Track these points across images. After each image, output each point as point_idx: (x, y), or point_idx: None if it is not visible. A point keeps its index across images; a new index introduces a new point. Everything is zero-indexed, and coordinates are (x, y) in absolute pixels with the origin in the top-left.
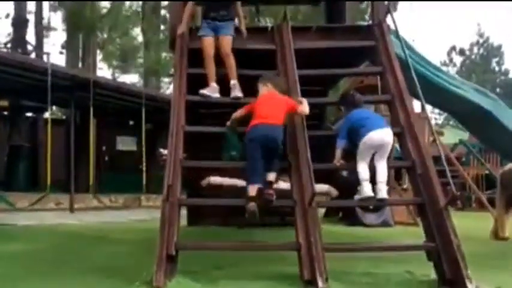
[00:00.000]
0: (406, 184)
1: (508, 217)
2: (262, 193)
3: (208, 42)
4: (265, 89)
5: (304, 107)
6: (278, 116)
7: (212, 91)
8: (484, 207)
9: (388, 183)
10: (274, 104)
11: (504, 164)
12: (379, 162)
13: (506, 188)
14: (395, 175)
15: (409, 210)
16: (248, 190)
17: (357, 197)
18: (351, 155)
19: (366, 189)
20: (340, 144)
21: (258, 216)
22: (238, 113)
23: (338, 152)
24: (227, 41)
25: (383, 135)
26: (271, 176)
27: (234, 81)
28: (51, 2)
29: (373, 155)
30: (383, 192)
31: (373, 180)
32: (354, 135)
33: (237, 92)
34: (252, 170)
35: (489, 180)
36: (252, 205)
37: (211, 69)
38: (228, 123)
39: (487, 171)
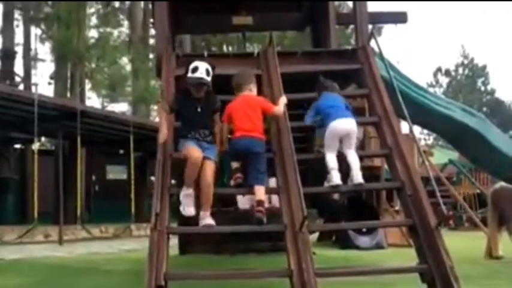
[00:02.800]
0: (398, 205)
1: (500, 236)
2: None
3: (198, 153)
4: (237, 95)
5: (278, 109)
6: (257, 125)
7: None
8: (476, 226)
9: (379, 205)
10: (250, 111)
11: (494, 183)
12: (348, 152)
13: (498, 206)
14: (386, 196)
15: (402, 232)
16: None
17: (326, 184)
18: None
19: (335, 178)
20: (310, 121)
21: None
22: (224, 134)
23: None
24: (211, 169)
25: (346, 125)
26: (260, 193)
27: (204, 213)
28: (39, 34)
29: (342, 146)
30: (358, 177)
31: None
32: (321, 121)
33: (207, 220)
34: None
35: (481, 199)
36: (238, 176)
37: (208, 196)
38: (220, 147)
39: (478, 190)
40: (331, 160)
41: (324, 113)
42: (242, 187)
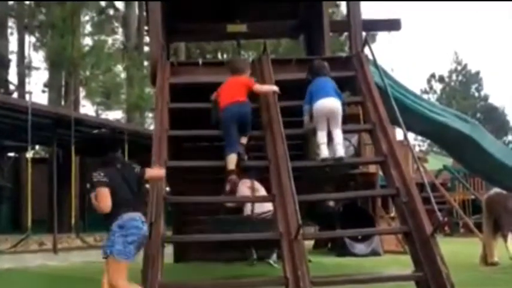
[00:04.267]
0: (394, 212)
1: (495, 242)
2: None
3: None
4: (230, 77)
5: (260, 86)
6: (242, 94)
7: None
8: (472, 232)
9: (375, 211)
10: (237, 85)
11: (489, 189)
12: (333, 128)
13: (492, 213)
14: (382, 203)
15: (398, 239)
16: (227, 161)
17: (317, 158)
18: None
19: (324, 151)
20: (306, 109)
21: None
22: (214, 97)
23: (306, 118)
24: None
25: (329, 103)
26: (244, 140)
27: None
28: (33, 42)
29: (330, 125)
30: (339, 151)
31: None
32: (311, 101)
33: None
34: (229, 144)
35: (476, 205)
36: (234, 177)
37: None
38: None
39: (472, 196)
40: (321, 136)
41: (313, 95)
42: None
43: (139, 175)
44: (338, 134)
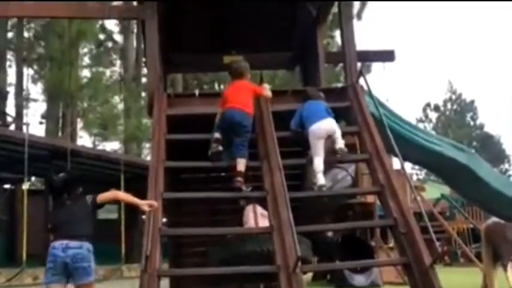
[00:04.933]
0: (393, 242)
1: (496, 272)
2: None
3: None
4: (232, 82)
5: (268, 91)
6: (246, 102)
7: None
8: (471, 261)
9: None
10: (242, 91)
11: (487, 218)
12: (333, 135)
13: (491, 242)
14: (380, 233)
15: (398, 270)
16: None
17: (315, 188)
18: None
19: (320, 180)
20: (294, 123)
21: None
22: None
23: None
24: None
25: (324, 125)
26: (241, 165)
27: None
28: (32, 74)
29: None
30: (340, 143)
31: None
32: (303, 126)
33: None
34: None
35: (475, 234)
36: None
37: None
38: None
39: (471, 225)
40: (318, 164)
41: (305, 119)
42: (220, 155)
43: (92, 203)
44: (337, 133)
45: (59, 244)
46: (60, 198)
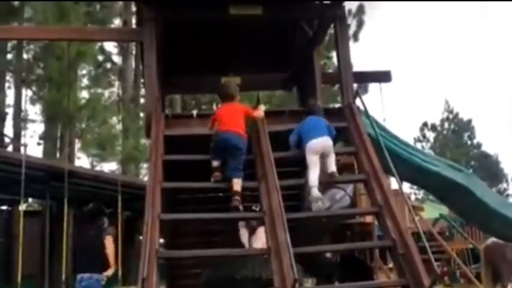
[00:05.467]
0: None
1: None
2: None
3: None
4: (223, 103)
5: (258, 112)
6: (240, 125)
7: None
8: (471, 282)
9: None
10: (235, 113)
11: (486, 238)
12: (327, 157)
13: (491, 262)
14: (380, 253)
15: None
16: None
17: (312, 202)
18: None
19: (315, 193)
20: (292, 140)
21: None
22: (210, 126)
23: (292, 149)
24: None
25: (320, 142)
26: (237, 185)
27: None
28: (30, 95)
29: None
30: (332, 167)
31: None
32: (302, 141)
33: None
34: (215, 156)
35: (475, 254)
36: (217, 174)
37: None
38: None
39: (471, 245)
40: (313, 178)
41: (303, 135)
42: (220, 182)
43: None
44: (331, 156)
45: (79, 277)
46: (85, 228)
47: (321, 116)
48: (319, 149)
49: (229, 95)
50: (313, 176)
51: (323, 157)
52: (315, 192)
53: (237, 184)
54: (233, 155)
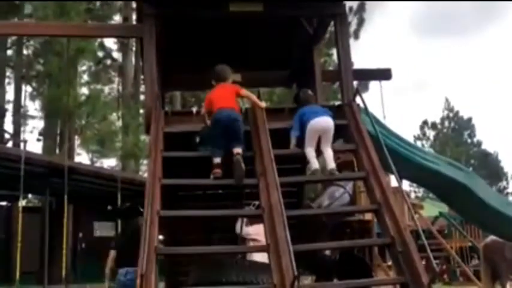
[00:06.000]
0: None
1: None
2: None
3: None
4: (216, 85)
5: (247, 92)
6: (233, 103)
7: None
8: (470, 280)
9: (372, 260)
10: (227, 93)
11: (486, 236)
12: (325, 146)
13: (490, 261)
14: (379, 251)
15: None
16: (214, 159)
17: (308, 172)
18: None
19: (314, 164)
20: (294, 134)
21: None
22: (204, 111)
23: (292, 141)
24: None
25: (323, 122)
26: (238, 149)
27: None
28: (30, 91)
29: (321, 143)
30: (331, 165)
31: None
32: (303, 125)
33: None
34: (214, 148)
35: (473, 252)
36: (217, 171)
37: None
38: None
39: (470, 243)
40: (310, 151)
41: (305, 117)
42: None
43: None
44: (329, 151)
45: (124, 270)
46: (124, 226)
47: (314, 104)
48: (319, 128)
49: (221, 78)
50: (310, 150)
51: (322, 143)
52: (314, 164)
53: (238, 149)
54: (234, 128)
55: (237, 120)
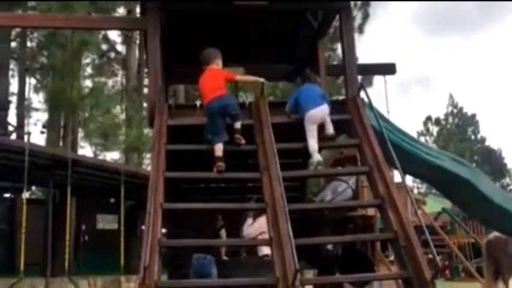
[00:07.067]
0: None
1: (496, 286)
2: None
3: None
4: (204, 72)
5: (245, 77)
6: (221, 88)
7: None
8: (472, 276)
9: (374, 255)
10: (214, 80)
11: (488, 232)
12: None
13: (492, 257)
14: (381, 246)
15: (398, 284)
16: (215, 149)
17: (311, 163)
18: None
19: (316, 158)
20: (289, 108)
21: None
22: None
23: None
24: None
25: (319, 112)
26: (237, 124)
27: None
28: (34, 84)
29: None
30: (330, 130)
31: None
32: (299, 108)
33: None
34: (216, 135)
35: (476, 249)
36: (221, 164)
37: None
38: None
39: (472, 240)
40: (313, 145)
41: (301, 103)
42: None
43: None
44: (328, 122)
45: (196, 256)
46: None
47: (315, 83)
48: (318, 119)
49: (206, 61)
50: (312, 142)
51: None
52: (316, 156)
53: (237, 124)
54: (228, 114)
55: (228, 104)
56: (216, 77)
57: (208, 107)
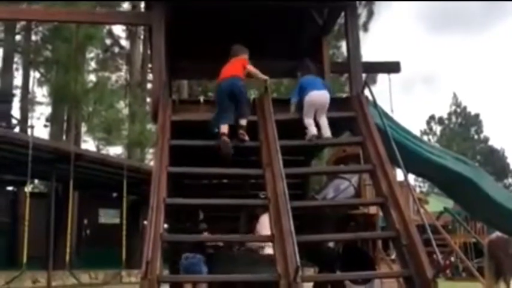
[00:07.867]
0: (394, 254)
1: (498, 287)
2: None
3: None
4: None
5: (253, 68)
6: (237, 70)
7: None
8: (473, 276)
9: (375, 253)
10: (234, 64)
11: (490, 232)
12: (320, 117)
13: (494, 257)
14: (382, 245)
15: (399, 282)
16: (220, 128)
17: (307, 137)
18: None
19: (312, 130)
20: (294, 101)
21: (231, 148)
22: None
23: (292, 107)
24: None
25: (319, 95)
26: (243, 121)
27: None
28: (38, 77)
29: (316, 114)
30: (327, 133)
31: None
32: (302, 94)
33: None
34: (222, 115)
35: (477, 248)
36: (225, 139)
37: None
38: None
39: (474, 239)
40: (309, 120)
41: (304, 87)
42: (229, 148)
43: None
44: (324, 120)
45: (185, 256)
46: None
47: (315, 74)
48: (317, 101)
49: (233, 54)
50: (309, 119)
51: (318, 115)
52: (313, 130)
53: (243, 121)
54: (238, 100)
55: (235, 84)
56: (237, 62)
57: (220, 83)
